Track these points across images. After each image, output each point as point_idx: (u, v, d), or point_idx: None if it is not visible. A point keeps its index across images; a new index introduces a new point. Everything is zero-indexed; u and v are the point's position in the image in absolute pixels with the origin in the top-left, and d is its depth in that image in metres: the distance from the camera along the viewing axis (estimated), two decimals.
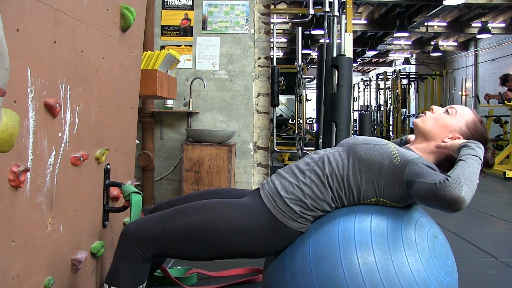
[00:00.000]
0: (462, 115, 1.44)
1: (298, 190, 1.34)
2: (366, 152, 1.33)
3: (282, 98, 12.70)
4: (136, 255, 1.27)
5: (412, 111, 15.17)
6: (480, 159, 1.23)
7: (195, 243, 1.30)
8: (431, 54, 13.78)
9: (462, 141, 1.33)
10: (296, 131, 4.76)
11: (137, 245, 1.27)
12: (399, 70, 12.29)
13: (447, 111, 1.46)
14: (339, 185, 1.33)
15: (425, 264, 1.23)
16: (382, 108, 13.68)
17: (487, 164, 1.42)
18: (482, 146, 1.29)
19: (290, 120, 10.22)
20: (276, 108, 4.26)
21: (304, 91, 4.00)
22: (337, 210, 1.35)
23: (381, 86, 14.17)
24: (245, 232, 1.30)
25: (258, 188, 1.44)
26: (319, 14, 4.56)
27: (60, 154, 1.25)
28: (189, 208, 1.34)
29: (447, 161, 1.42)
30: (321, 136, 2.99)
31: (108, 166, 1.58)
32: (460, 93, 14.16)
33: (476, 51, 13.81)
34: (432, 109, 1.49)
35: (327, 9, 3.07)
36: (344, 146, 1.41)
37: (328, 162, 1.36)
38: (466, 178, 1.14)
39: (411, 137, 1.61)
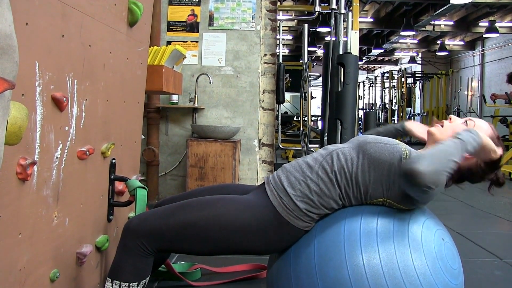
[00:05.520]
0: (479, 129, 1.38)
1: (304, 186, 1.31)
2: (376, 151, 1.31)
3: (287, 95, 12.69)
4: (139, 249, 1.27)
5: (417, 110, 15.13)
6: (462, 140, 1.20)
7: (197, 238, 1.30)
8: (437, 53, 13.72)
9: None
10: (301, 129, 4.76)
11: (140, 239, 1.27)
12: (405, 68, 12.25)
13: (465, 123, 1.42)
14: (347, 182, 1.31)
15: (431, 267, 1.20)
16: (387, 107, 13.65)
17: (497, 182, 1.39)
18: (475, 132, 1.27)
19: (295, 117, 10.21)
20: (281, 105, 4.26)
21: (309, 88, 4.00)
22: (343, 211, 1.32)
23: (387, 84, 14.14)
24: (248, 229, 1.29)
25: (264, 183, 1.42)
26: (325, 11, 4.54)
27: (66, 147, 1.26)
28: (192, 204, 1.33)
29: (457, 172, 1.35)
30: (326, 134, 2.99)
31: (114, 161, 1.59)
32: (466, 92, 14.10)
33: (482, 50, 13.73)
34: (450, 118, 1.44)
35: (334, 6, 3.06)
36: (354, 143, 1.38)
37: (337, 158, 1.34)
38: (431, 155, 1.12)
39: (410, 126, 1.58)
